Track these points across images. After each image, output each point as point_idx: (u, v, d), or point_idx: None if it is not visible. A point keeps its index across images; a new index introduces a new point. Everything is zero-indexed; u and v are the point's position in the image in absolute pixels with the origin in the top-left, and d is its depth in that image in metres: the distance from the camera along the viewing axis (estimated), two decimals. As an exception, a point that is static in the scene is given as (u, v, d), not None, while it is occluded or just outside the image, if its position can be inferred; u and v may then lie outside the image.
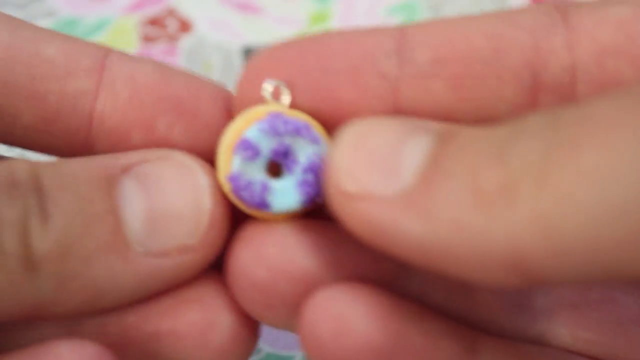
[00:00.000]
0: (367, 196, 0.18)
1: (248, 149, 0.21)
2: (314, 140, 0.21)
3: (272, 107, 0.21)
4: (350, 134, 0.19)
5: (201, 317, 0.21)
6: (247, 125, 0.21)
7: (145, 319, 0.21)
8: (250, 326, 0.22)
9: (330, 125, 0.22)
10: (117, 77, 0.22)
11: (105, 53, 0.23)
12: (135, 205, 0.20)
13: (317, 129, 0.22)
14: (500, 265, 0.16)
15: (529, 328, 0.22)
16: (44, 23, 0.37)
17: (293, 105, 0.22)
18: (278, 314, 0.21)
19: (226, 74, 0.36)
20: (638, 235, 0.15)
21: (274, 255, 0.21)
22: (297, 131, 0.21)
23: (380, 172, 0.18)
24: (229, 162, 0.21)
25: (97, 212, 0.20)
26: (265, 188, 0.21)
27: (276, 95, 0.22)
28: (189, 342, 0.21)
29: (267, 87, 0.21)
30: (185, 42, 0.37)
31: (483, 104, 0.21)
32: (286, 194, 0.21)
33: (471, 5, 0.38)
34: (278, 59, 0.22)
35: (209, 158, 0.22)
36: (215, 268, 0.22)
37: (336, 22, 0.38)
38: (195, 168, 0.21)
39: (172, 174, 0.21)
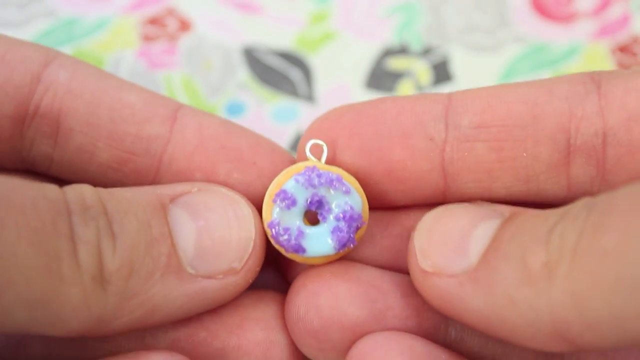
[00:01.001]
0: (439, 273, 0.21)
1: (285, 198, 0.23)
2: (346, 191, 0.23)
3: (310, 163, 0.24)
4: (429, 219, 0.22)
5: (264, 335, 0.24)
6: (287, 179, 0.24)
7: (214, 335, 0.24)
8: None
9: (381, 182, 0.24)
10: (187, 127, 0.25)
11: (178, 106, 0.25)
12: (185, 231, 0.22)
13: (349, 180, 0.24)
14: (547, 335, 0.19)
15: None
16: (44, 23, 0.37)
17: (346, 164, 0.24)
18: (329, 356, 0.23)
19: (226, 74, 0.36)
20: None
21: (327, 306, 0.23)
22: (330, 183, 0.23)
23: (451, 253, 0.21)
24: (270, 211, 0.24)
25: (155, 236, 0.21)
26: (301, 234, 0.23)
27: (318, 154, 0.24)
28: (252, 358, 0.24)
29: (309, 146, 0.24)
30: (185, 41, 0.37)
31: (520, 164, 0.23)
32: (320, 239, 0.24)
33: (471, 6, 0.38)
34: (335, 122, 0.25)
35: (261, 204, 0.24)
36: (274, 289, 0.25)
37: (336, 21, 0.38)
38: (237, 199, 0.23)
39: (217, 204, 0.23)
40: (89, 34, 0.37)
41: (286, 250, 0.24)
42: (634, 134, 0.23)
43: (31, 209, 0.19)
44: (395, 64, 0.37)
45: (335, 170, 0.24)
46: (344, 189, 0.23)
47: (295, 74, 0.36)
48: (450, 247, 0.21)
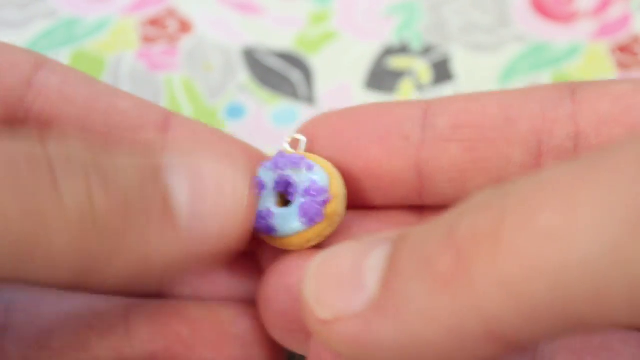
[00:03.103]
0: (341, 317, 0.18)
1: (255, 184, 0.24)
2: (309, 167, 0.24)
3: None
4: (315, 264, 0.20)
5: (242, 351, 0.24)
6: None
7: (191, 350, 0.24)
8: (279, 355, 0.25)
9: (358, 180, 0.25)
10: (180, 134, 0.25)
11: (169, 113, 0.25)
12: (180, 191, 0.22)
13: (314, 160, 0.24)
14: (478, 340, 0.16)
15: None
16: (44, 23, 0.37)
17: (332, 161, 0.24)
18: (297, 338, 0.23)
19: (226, 75, 0.36)
20: (604, 289, 0.15)
21: (298, 287, 0.22)
22: (294, 163, 0.24)
23: (347, 291, 0.19)
24: None
25: (149, 194, 0.21)
26: (269, 214, 0.24)
27: (295, 146, 0.25)
28: None
29: (289, 140, 0.25)
30: (186, 42, 0.37)
31: (494, 165, 0.23)
32: (288, 218, 0.24)
33: (471, 6, 0.38)
34: (317, 124, 0.25)
35: None
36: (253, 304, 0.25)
37: (336, 22, 0.38)
38: (231, 159, 0.23)
39: (211, 164, 0.22)
40: (89, 34, 0.37)
41: (259, 232, 0.24)
42: (603, 136, 0.23)
43: (3, 162, 0.19)
44: (396, 63, 0.37)
45: (303, 154, 0.24)
46: (306, 166, 0.24)
47: (295, 75, 0.36)
48: (344, 285, 0.19)
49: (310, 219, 0.24)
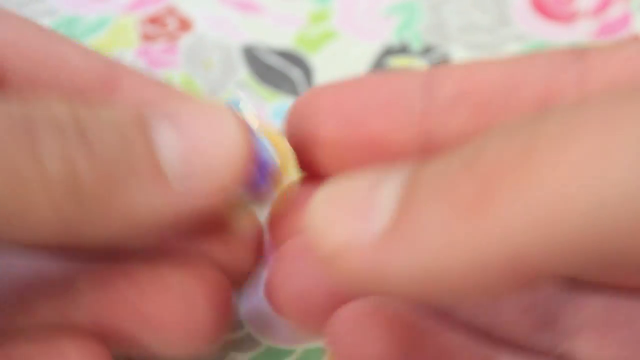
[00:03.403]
0: (352, 247, 0.17)
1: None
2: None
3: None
4: (324, 191, 0.19)
5: (188, 315, 0.23)
6: None
7: (138, 312, 0.23)
8: (224, 315, 0.24)
9: (363, 153, 0.24)
10: (129, 90, 0.25)
11: (124, 72, 0.25)
12: (170, 145, 0.21)
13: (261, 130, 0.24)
14: (500, 270, 0.15)
15: (553, 345, 0.23)
16: (44, 22, 0.37)
17: (328, 134, 0.24)
18: (315, 320, 0.23)
19: (226, 73, 0.36)
20: None
21: (311, 269, 0.22)
22: None
23: (360, 218, 0.17)
24: None
25: (136, 148, 0.21)
26: None
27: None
28: (170, 326, 0.23)
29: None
30: (185, 40, 0.37)
31: None
32: None
33: (471, 6, 0.38)
34: (317, 96, 0.24)
35: None
36: (195, 257, 0.24)
37: (336, 21, 0.38)
38: (223, 112, 0.22)
39: (202, 116, 0.22)
40: (89, 33, 0.37)
41: None
42: None
43: None
44: (396, 63, 0.37)
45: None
46: None
47: (295, 73, 0.36)
48: (357, 211, 0.17)
49: (254, 188, 0.24)
